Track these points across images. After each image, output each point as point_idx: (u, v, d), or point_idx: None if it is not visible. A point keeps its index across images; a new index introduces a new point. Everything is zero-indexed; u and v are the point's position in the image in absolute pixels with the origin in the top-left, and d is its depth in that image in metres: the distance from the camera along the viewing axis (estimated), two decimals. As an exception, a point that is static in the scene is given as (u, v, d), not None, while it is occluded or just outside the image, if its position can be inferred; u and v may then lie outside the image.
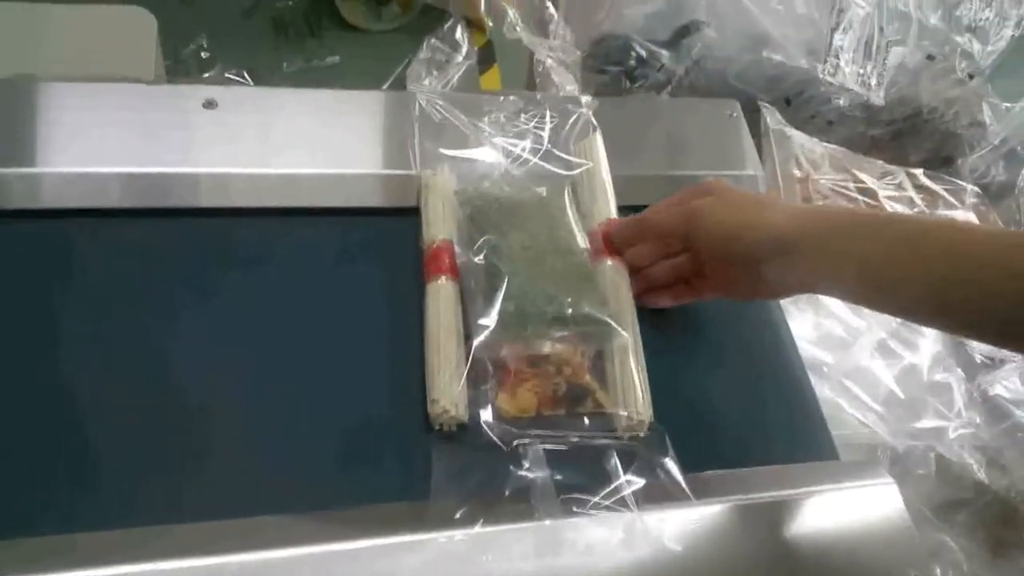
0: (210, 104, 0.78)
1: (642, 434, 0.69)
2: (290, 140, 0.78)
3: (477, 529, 0.61)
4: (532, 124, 0.81)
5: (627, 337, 0.71)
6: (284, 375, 0.69)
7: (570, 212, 0.77)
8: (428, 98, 0.80)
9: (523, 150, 0.79)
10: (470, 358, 0.68)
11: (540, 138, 0.80)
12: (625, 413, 0.69)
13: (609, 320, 0.71)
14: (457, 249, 0.74)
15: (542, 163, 0.79)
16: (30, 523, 0.59)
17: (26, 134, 0.73)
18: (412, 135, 0.79)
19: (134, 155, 0.74)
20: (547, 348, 0.71)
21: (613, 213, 0.78)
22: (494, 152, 0.79)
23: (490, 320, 0.69)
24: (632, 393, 0.69)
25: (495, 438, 0.66)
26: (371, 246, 0.77)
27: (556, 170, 0.79)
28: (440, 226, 0.75)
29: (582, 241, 0.75)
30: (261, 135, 0.78)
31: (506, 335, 0.69)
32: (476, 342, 0.68)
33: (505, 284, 0.70)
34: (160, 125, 0.76)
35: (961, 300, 0.61)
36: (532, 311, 0.70)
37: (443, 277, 0.72)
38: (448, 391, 0.67)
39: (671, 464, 0.66)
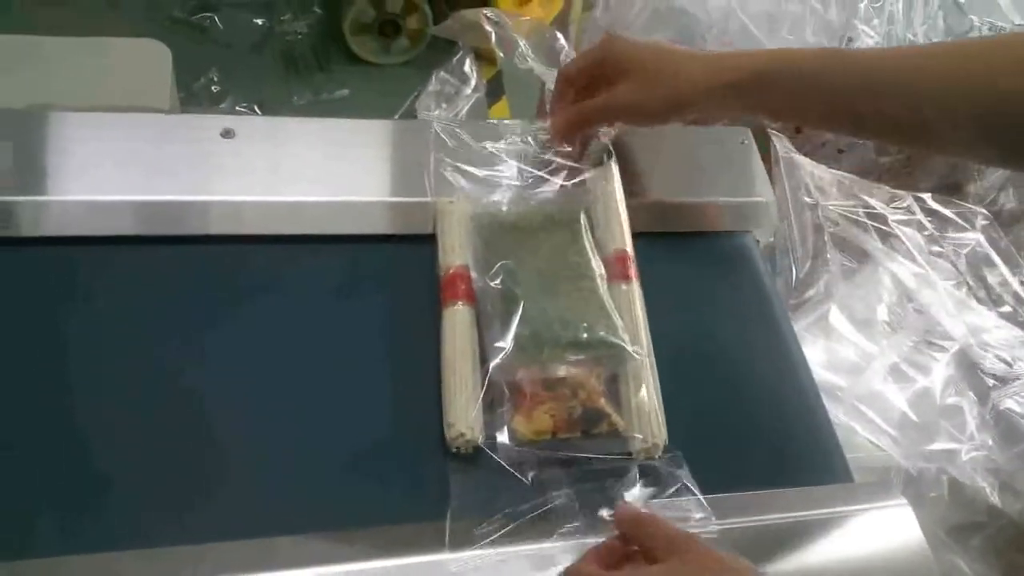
0: (228, 133, 0.78)
1: (657, 456, 0.69)
2: (308, 169, 0.79)
3: (495, 549, 0.62)
4: (547, 150, 0.82)
5: (641, 361, 0.72)
6: (303, 399, 0.69)
7: (585, 237, 0.77)
8: (444, 125, 0.81)
9: (539, 176, 0.80)
10: (486, 381, 0.69)
11: (555, 164, 0.81)
12: (640, 436, 0.69)
13: (623, 344, 0.71)
14: (473, 274, 0.74)
15: (558, 189, 0.80)
16: (40, 545, 0.59)
17: (46, 163, 0.74)
18: (428, 162, 0.80)
19: (153, 183, 0.75)
20: (562, 371, 0.71)
21: (627, 238, 0.78)
22: (509, 178, 0.80)
23: (506, 344, 0.70)
24: (647, 416, 0.70)
25: (511, 460, 0.66)
26: (388, 272, 0.77)
27: (571, 196, 0.80)
28: (456, 252, 0.76)
29: (596, 266, 0.76)
30: (280, 164, 0.78)
31: (522, 358, 0.70)
32: (492, 365, 0.69)
33: (521, 308, 0.71)
34: (180, 154, 0.77)
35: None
36: (547, 335, 0.71)
37: (459, 302, 0.73)
38: (464, 414, 0.67)
39: (690, 485, 0.67)
